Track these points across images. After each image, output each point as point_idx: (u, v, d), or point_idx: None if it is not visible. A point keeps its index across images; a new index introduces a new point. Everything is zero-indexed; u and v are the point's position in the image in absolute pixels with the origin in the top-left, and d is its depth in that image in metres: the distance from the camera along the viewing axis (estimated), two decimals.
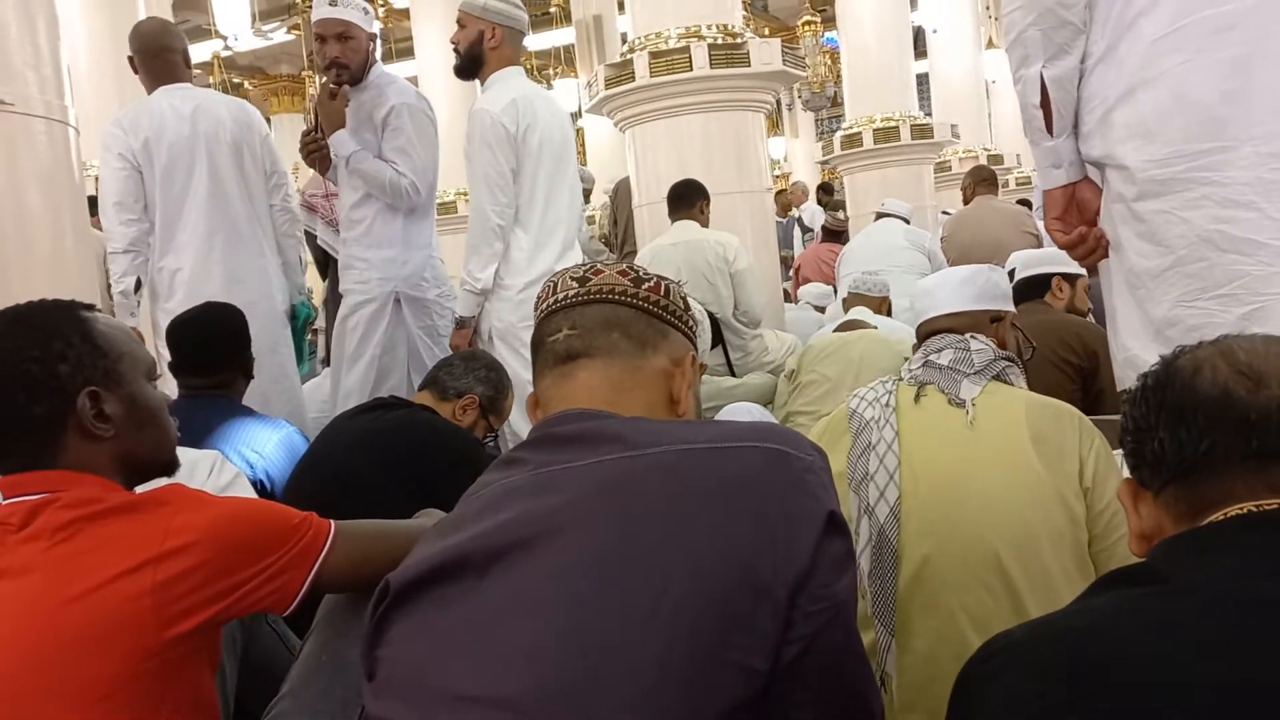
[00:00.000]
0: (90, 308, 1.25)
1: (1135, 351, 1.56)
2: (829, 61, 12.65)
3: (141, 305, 3.21)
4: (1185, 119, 1.44)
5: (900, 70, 7.42)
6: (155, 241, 3.18)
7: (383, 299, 3.21)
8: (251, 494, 2.06)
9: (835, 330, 3.91)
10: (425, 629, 0.93)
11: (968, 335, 1.72)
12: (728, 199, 4.14)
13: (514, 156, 3.00)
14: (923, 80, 8.48)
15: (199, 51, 11.62)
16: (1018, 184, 9.77)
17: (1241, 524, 0.82)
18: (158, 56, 3.20)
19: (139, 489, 1.22)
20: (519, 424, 2.91)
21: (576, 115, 10.28)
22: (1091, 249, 1.66)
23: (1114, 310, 1.65)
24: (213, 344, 2.46)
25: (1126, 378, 1.59)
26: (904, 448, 1.60)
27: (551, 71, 13.08)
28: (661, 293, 1.11)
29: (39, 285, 1.81)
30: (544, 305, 1.13)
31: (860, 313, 3.92)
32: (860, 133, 7.23)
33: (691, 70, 4.03)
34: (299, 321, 3.47)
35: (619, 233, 5.70)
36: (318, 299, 4.40)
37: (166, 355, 2.49)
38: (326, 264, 4.18)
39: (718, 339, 3.72)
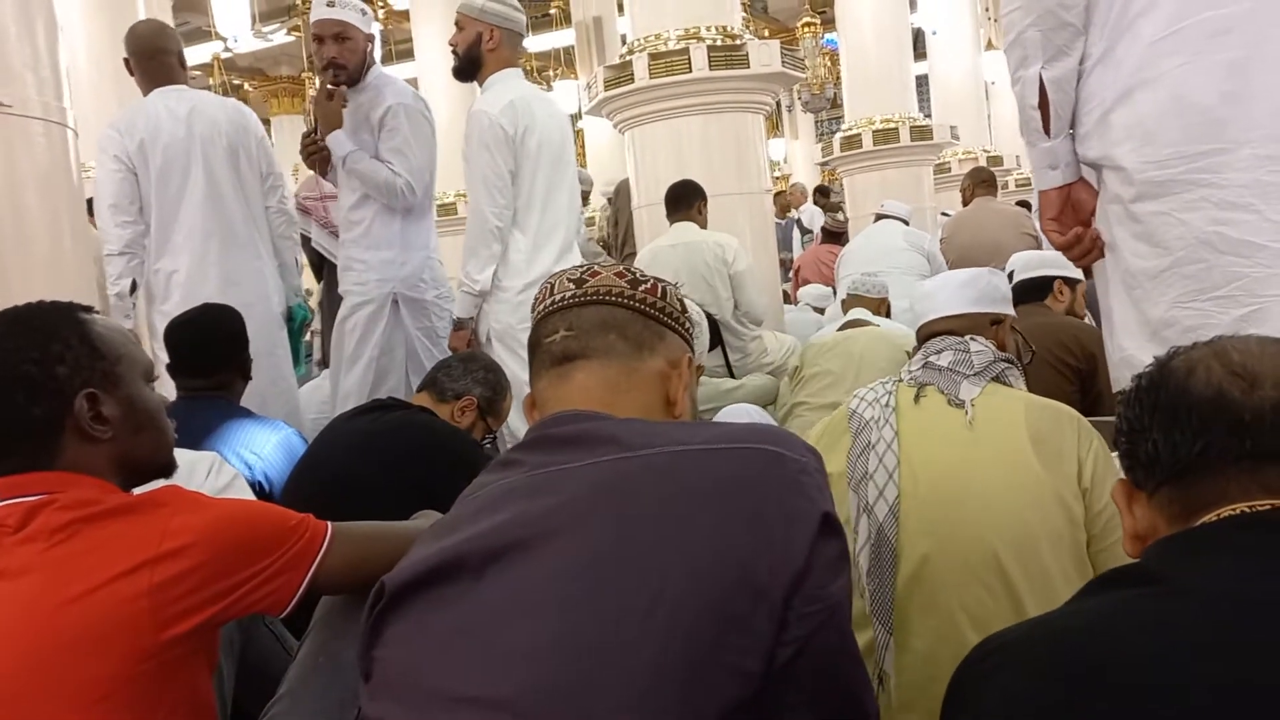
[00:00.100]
0: (88, 309, 1.26)
1: (1131, 352, 1.57)
2: (828, 63, 12.65)
3: (137, 307, 3.21)
4: (1184, 121, 1.45)
5: (900, 72, 7.43)
6: (151, 243, 3.17)
7: (381, 300, 3.21)
8: (250, 495, 2.06)
9: (837, 331, 3.92)
10: (421, 630, 0.93)
11: (967, 337, 1.73)
12: (727, 200, 4.15)
13: (512, 158, 3.00)
14: (922, 82, 8.49)
15: (199, 53, 11.65)
16: (1017, 185, 9.78)
17: (1235, 525, 0.82)
18: (153, 59, 3.20)
19: (137, 490, 1.22)
20: (517, 425, 2.91)
21: (576, 117, 10.30)
22: (1087, 250, 1.66)
23: (1110, 311, 1.66)
24: (211, 345, 2.46)
25: (1122, 378, 1.60)
26: (903, 447, 1.60)
27: (551, 73, 13.10)
28: (658, 294, 1.11)
29: (37, 287, 1.81)
30: (541, 306, 1.13)
31: (860, 314, 3.92)
32: (860, 134, 7.24)
33: (691, 72, 4.04)
34: (295, 323, 3.46)
35: (619, 234, 5.70)
36: (314, 301, 4.40)
37: (163, 357, 2.49)
38: (321, 266, 4.18)
39: (716, 340, 3.72)
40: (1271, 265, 1.41)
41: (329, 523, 1.24)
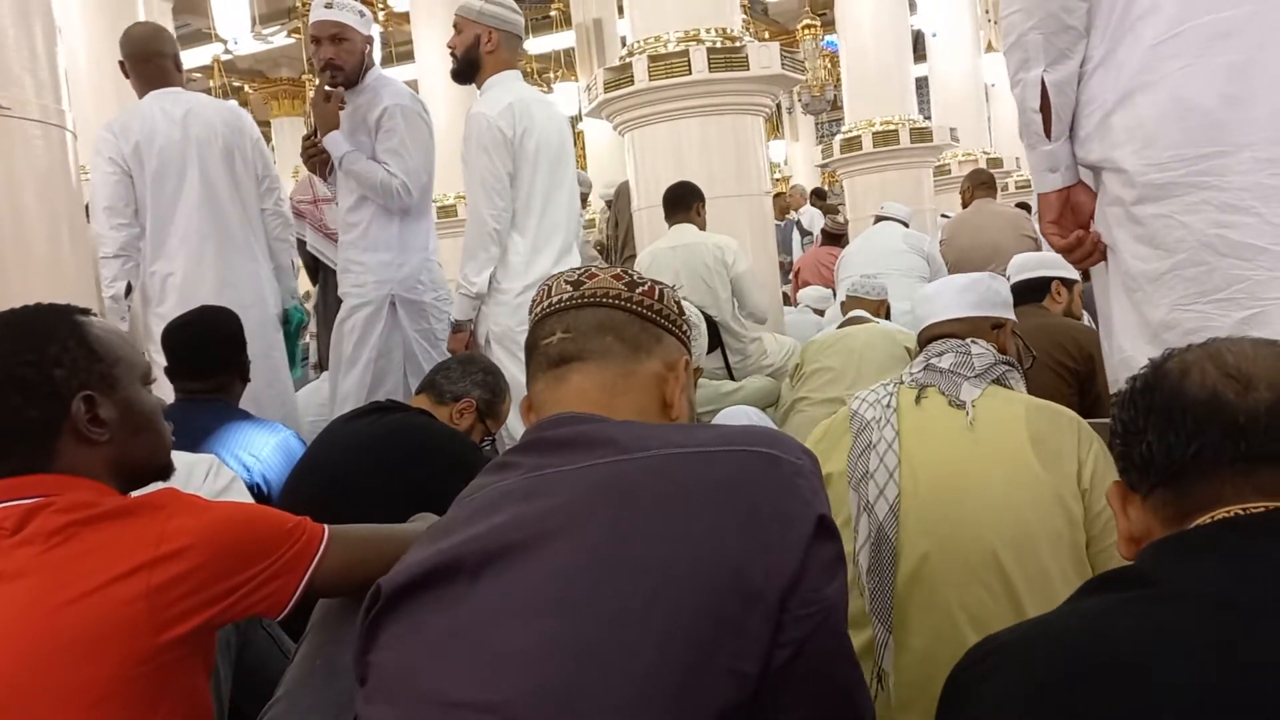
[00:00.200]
0: (86, 312, 1.26)
1: (1131, 354, 1.57)
2: (828, 65, 12.66)
3: (132, 310, 3.21)
4: (1185, 123, 1.45)
5: (899, 74, 7.44)
6: (146, 246, 3.17)
7: (379, 302, 3.21)
8: (248, 498, 2.06)
9: (836, 328, 3.92)
10: (417, 633, 0.93)
11: (969, 340, 1.74)
12: (727, 202, 4.15)
13: (510, 161, 3.00)
14: (922, 84, 8.50)
15: (199, 55, 11.65)
16: (1017, 187, 9.78)
17: (1228, 527, 0.82)
18: (148, 61, 3.19)
19: (134, 493, 1.22)
20: (516, 427, 2.91)
21: (576, 119, 10.30)
22: (1088, 252, 1.66)
23: (1109, 312, 1.66)
24: (209, 348, 2.46)
25: (1121, 380, 1.60)
26: (904, 447, 1.61)
27: (552, 75, 13.10)
28: (656, 297, 1.12)
29: (36, 289, 1.80)
30: (539, 308, 1.13)
31: (860, 315, 3.93)
32: (859, 136, 7.24)
33: (690, 74, 4.04)
34: (291, 326, 3.46)
35: (619, 236, 5.71)
36: (310, 304, 4.40)
37: (159, 359, 2.49)
38: (317, 270, 4.18)
39: (716, 342, 3.72)
40: (1273, 268, 1.41)
41: (326, 525, 1.24)
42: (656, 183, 4.14)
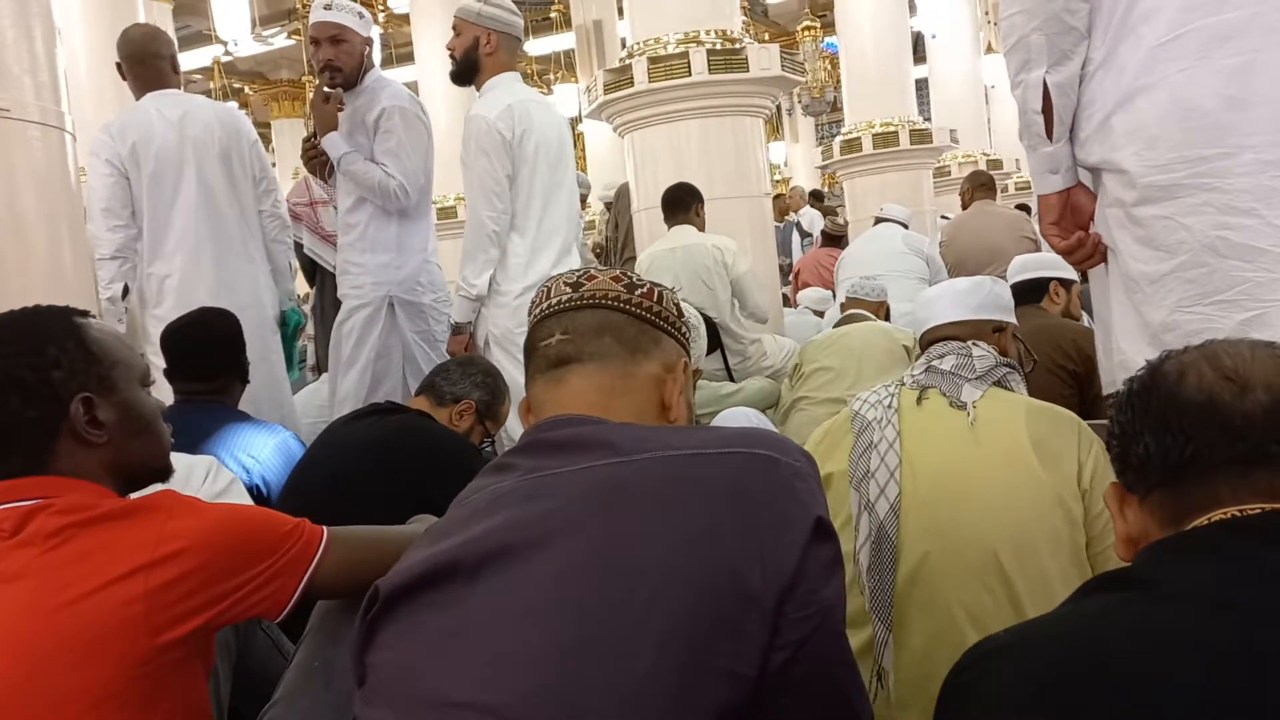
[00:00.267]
0: (85, 314, 1.26)
1: (1130, 355, 1.57)
2: (828, 66, 12.66)
3: (130, 311, 3.20)
4: (1186, 125, 1.45)
5: (899, 75, 7.44)
6: (144, 247, 3.17)
7: (377, 303, 3.20)
8: (247, 499, 2.06)
9: (834, 327, 3.92)
10: (415, 635, 0.93)
11: (970, 342, 1.75)
12: (727, 204, 4.15)
13: (509, 163, 2.99)
14: (922, 85, 8.49)
15: (199, 56, 11.65)
16: (1017, 189, 9.79)
17: (1224, 529, 0.82)
18: (144, 63, 3.19)
19: (133, 495, 1.22)
20: (516, 429, 2.91)
21: (576, 120, 10.30)
22: (1089, 254, 1.66)
23: (1107, 315, 1.66)
24: (208, 349, 2.46)
25: (1119, 381, 1.60)
26: (905, 447, 1.61)
27: (552, 76, 13.10)
28: (655, 299, 1.12)
29: (35, 291, 1.81)
30: (537, 310, 1.13)
31: (856, 314, 3.94)
32: (859, 138, 7.24)
33: (690, 75, 4.04)
34: (289, 328, 3.46)
35: (619, 238, 5.71)
36: (308, 306, 4.40)
37: (156, 361, 2.49)
38: (314, 272, 4.18)
39: (715, 344, 3.72)
40: (1274, 270, 1.41)
41: (325, 527, 1.24)
42: (656, 184, 4.14)
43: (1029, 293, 3.00)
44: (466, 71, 3.13)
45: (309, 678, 1.26)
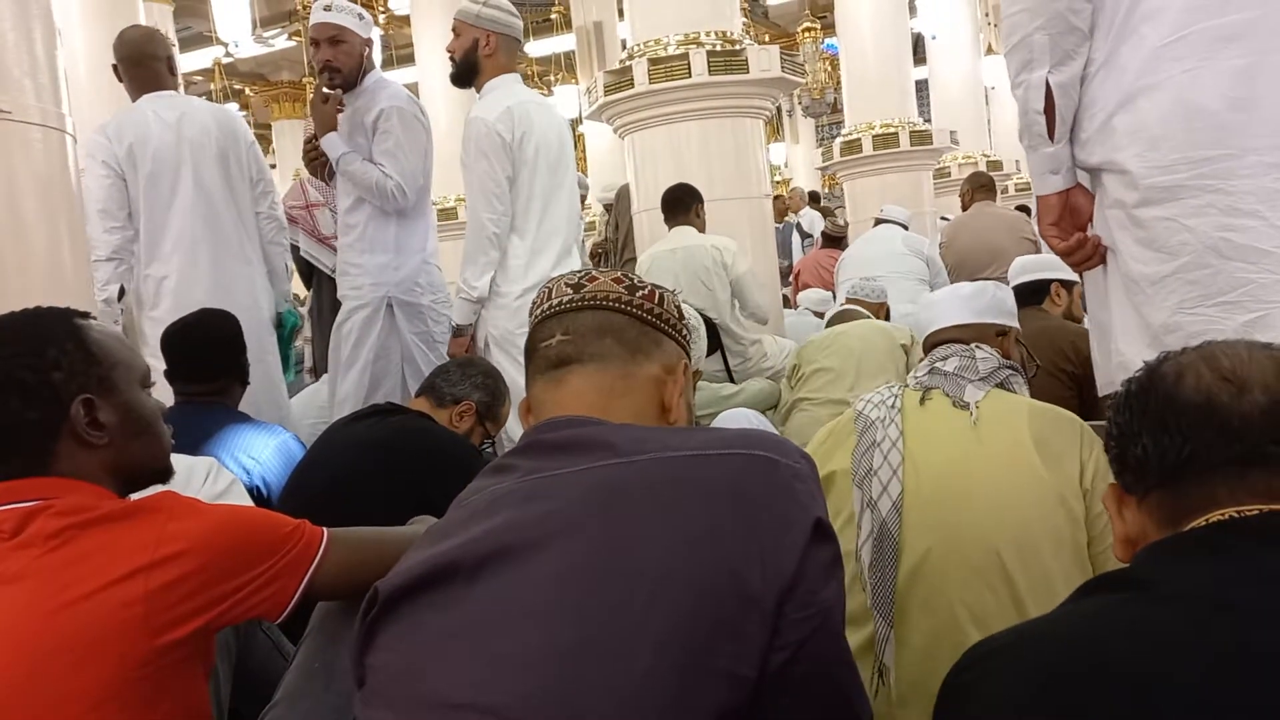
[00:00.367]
0: (85, 315, 1.26)
1: (1130, 356, 1.57)
2: (828, 68, 12.66)
3: (126, 313, 3.20)
4: (1190, 126, 1.45)
5: (899, 77, 7.44)
6: (140, 249, 3.16)
7: (375, 304, 3.20)
8: (247, 500, 2.06)
9: (829, 324, 3.92)
10: (414, 636, 0.93)
11: (973, 345, 1.76)
12: (727, 205, 4.16)
13: (509, 164, 2.99)
14: (922, 86, 8.50)
15: (200, 58, 11.66)
16: (1017, 190, 9.79)
17: (1223, 530, 0.82)
18: (140, 64, 3.19)
19: (134, 496, 1.22)
20: (516, 430, 2.91)
21: (577, 122, 10.31)
22: (1088, 255, 1.66)
23: (1105, 315, 1.66)
24: (209, 350, 2.46)
25: (1118, 382, 1.60)
26: (908, 446, 1.62)
27: (552, 78, 13.11)
28: (655, 301, 1.12)
29: (35, 293, 1.80)
30: (538, 311, 1.13)
31: (851, 310, 3.94)
32: (860, 139, 7.24)
33: (690, 77, 4.05)
34: (285, 330, 3.45)
35: (619, 239, 5.71)
36: (305, 309, 4.40)
37: (153, 363, 2.48)
38: (311, 274, 4.18)
39: (715, 345, 3.72)
40: (1277, 271, 1.41)
41: (325, 528, 1.24)
42: (656, 185, 4.14)
43: (1030, 295, 3.00)
44: (466, 73, 3.12)
45: (309, 679, 1.26)
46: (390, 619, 0.95)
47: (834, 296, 5.48)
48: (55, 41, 2.25)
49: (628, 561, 0.87)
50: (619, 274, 1.13)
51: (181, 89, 3.36)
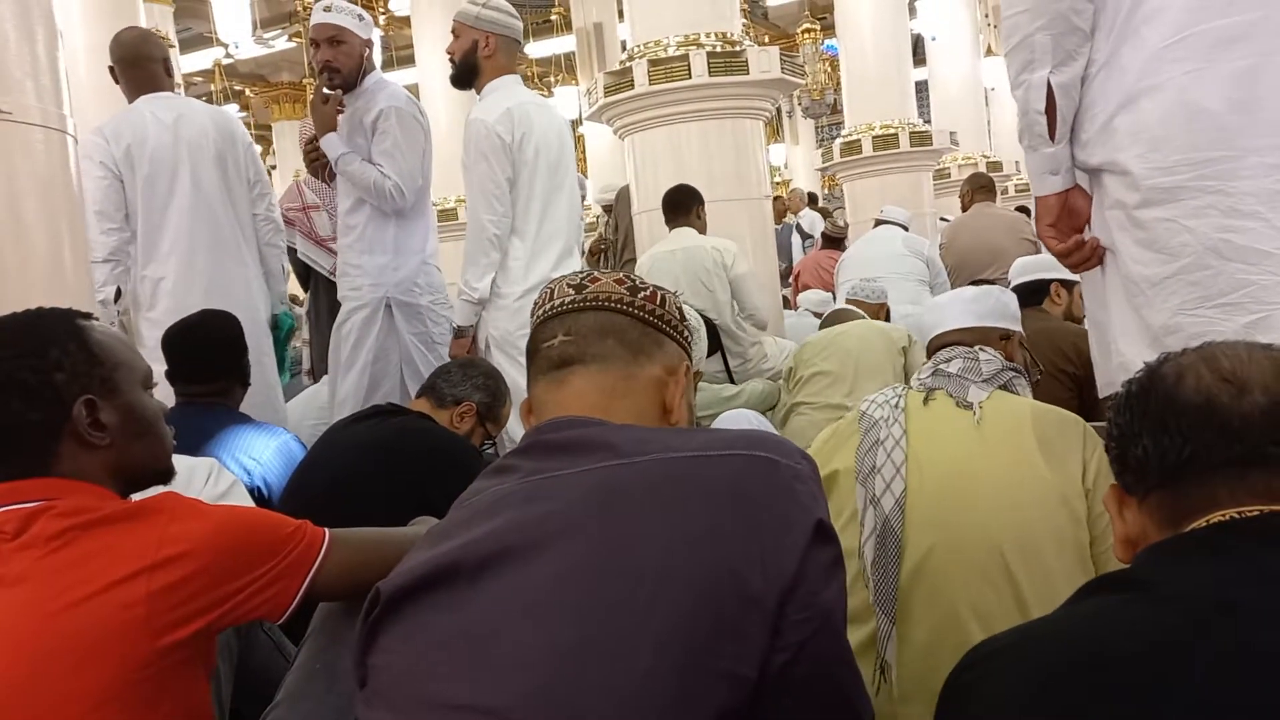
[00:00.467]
0: (87, 316, 1.26)
1: (1130, 357, 1.56)
2: (828, 69, 12.66)
3: (123, 314, 3.20)
4: (1191, 127, 1.44)
5: (899, 77, 7.44)
6: (137, 250, 3.16)
7: (374, 305, 3.20)
8: (249, 501, 2.06)
9: (824, 323, 3.92)
10: (416, 637, 0.93)
11: (977, 347, 1.77)
12: (727, 206, 4.16)
13: (509, 166, 2.99)
14: (922, 87, 8.50)
15: (200, 59, 11.66)
16: (1016, 191, 9.79)
17: (1223, 530, 0.82)
18: (137, 65, 3.18)
19: (135, 497, 1.22)
20: (517, 431, 2.91)
21: (577, 123, 10.31)
22: (1087, 256, 1.66)
23: (1104, 316, 1.66)
24: (210, 351, 2.46)
25: (1117, 383, 1.60)
26: (911, 445, 1.63)
27: (552, 79, 13.11)
28: (657, 302, 1.12)
29: (36, 294, 1.80)
30: (540, 311, 1.13)
31: (846, 310, 3.94)
32: (859, 140, 7.25)
33: (690, 78, 4.05)
34: (281, 332, 3.45)
35: (620, 240, 5.71)
36: (302, 310, 4.40)
37: (151, 364, 2.48)
38: (308, 277, 4.18)
39: (716, 346, 3.72)
40: (1278, 272, 1.41)
41: (326, 529, 1.24)
42: (656, 186, 4.14)
43: (1030, 295, 3.00)
44: (466, 75, 3.13)
45: (310, 680, 1.26)
46: (392, 620, 0.95)
47: (834, 297, 5.48)
48: (57, 43, 2.25)
49: (628, 562, 0.88)
50: (621, 275, 1.14)
51: (180, 90, 3.36)
